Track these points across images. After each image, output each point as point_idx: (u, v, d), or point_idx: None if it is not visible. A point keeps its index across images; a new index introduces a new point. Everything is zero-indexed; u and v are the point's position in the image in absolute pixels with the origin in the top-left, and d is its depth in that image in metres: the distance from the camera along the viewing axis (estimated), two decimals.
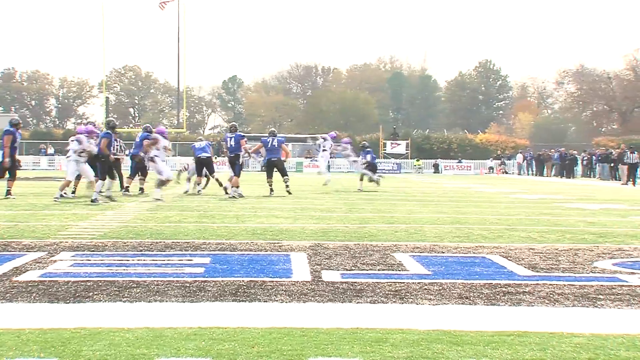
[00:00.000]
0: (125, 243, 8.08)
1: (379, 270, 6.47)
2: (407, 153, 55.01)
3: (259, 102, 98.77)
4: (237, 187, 16.88)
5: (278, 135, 18.07)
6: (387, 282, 5.84)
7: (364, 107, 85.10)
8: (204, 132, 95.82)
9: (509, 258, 7.31)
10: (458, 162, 53.54)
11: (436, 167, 52.20)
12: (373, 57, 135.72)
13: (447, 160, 54.44)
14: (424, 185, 27.98)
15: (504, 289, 5.66)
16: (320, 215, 12.33)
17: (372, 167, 21.68)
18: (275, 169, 17.86)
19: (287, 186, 17.96)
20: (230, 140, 17.22)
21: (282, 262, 6.81)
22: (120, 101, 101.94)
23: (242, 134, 17.71)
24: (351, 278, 6.03)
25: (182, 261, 6.83)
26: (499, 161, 52.70)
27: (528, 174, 47.43)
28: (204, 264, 6.67)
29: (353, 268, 6.54)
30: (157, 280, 5.79)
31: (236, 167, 16.97)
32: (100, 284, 5.65)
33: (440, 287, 5.69)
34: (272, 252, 7.53)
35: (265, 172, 18.20)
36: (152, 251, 7.47)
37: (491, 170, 51.90)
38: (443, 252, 7.69)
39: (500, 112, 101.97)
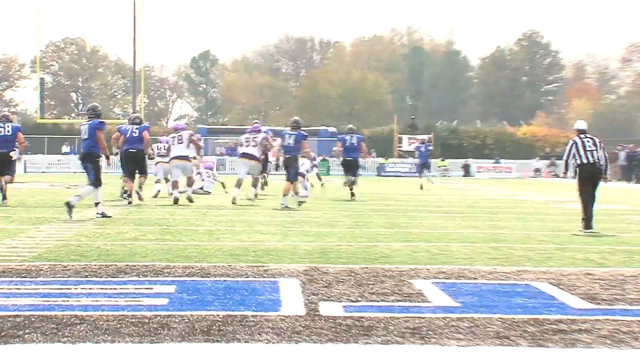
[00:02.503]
0: (65, 267, 8.07)
1: (393, 301, 6.47)
2: (429, 151, 55.13)
3: (238, 85, 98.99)
4: (287, 194, 17.35)
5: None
6: (404, 317, 5.85)
7: (374, 92, 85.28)
8: (167, 123, 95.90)
9: (560, 286, 7.32)
10: (495, 163, 53.66)
11: (466, 169, 52.32)
12: (385, 27, 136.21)
13: (480, 160, 54.61)
14: (451, 192, 28.01)
15: (554, 326, 5.67)
16: (318, 230, 12.32)
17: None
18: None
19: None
20: (289, 138, 17.78)
21: (269, 291, 6.81)
22: (60, 83, 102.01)
23: (305, 133, 18.21)
24: (357, 312, 6.03)
25: (140, 290, 6.83)
26: (548, 161, 52.81)
27: None
28: (168, 293, 6.67)
29: (359, 299, 6.54)
30: (107, 315, 5.78)
31: (292, 170, 17.51)
32: (33, 319, 5.64)
33: (472, 324, 5.69)
34: (255, 278, 7.53)
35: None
36: (101, 277, 7.47)
37: (538, 173, 52.02)
38: (475, 278, 7.70)
39: (550, 98, 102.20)
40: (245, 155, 18.72)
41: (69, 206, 13.78)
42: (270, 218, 14.45)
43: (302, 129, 17.84)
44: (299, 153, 17.71)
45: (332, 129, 56.86)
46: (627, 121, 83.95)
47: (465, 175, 51.29)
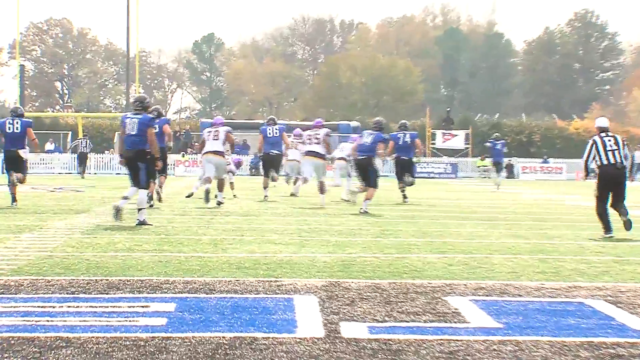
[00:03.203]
0: (49, 282, 8.11)
1: (425, 321, 6.47)
2: (466, 149, 55.00)
3: (247, 73, 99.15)
4: (370, 199, 17.96)
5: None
6: (438, 340, 5.84)
7: (403, 81, 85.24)
8: (165, 116, 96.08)
9: (618, 304, 7.30)
10: (543, 162, 53.44)
11: (510, 169, 52.15)
12: (416, 6, 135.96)
13: (526, 159, 54.43)
14: (492, 196, 27.91)
15: (611, 351, 5.64)
16: (338, 239, 12.31)
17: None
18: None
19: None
20: (367, 137, 18.50)
21: (282, 310, 6.82)
22: (42, 71, 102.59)
23: (385, 135, 19.00)
24: (384, 333, 6.03)
25: (135, 308, 6.85)
26: None
27: None
28: (167, 312, 6.69)
29: (387, 319, 6.55)
30: (97, 337, 5.80)
31: (370, 173, 18.11)
32: (13, 342, 5.67)
33: (517, 348, 5.68)
34: (266, 294, 7.54)
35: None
36: (90, 294, 7.50)
37: (592, 174, 51.67)
38: (520, 295, 7.69)
39: (607, 87, 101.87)
40: (310, 154, 19.73)
41: (117, 209, 14.08)
42: (284, 226, 14.45)
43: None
44: (374, 154, 18.29)
45: (354, 124, 56.40)
46: None
47: (509, 177, 51.08)
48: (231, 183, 22.53)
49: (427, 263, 9.82)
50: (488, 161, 52.19)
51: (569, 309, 7.07)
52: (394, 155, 21.93)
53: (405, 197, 21.93)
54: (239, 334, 5.95)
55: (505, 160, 52.31)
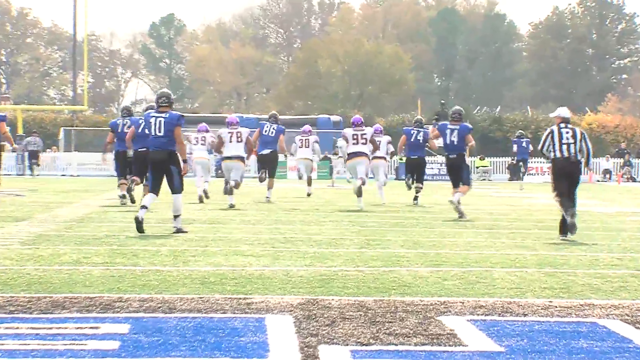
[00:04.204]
0: None
1: (416, 344, 6.47)
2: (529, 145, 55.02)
3: (212, 60, 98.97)
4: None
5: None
6: None
7: (391, 69, 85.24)
8: (118, 108, 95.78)
9: (637, 325, 7.31)
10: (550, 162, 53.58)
11: (513, 170, 52.25)
12: None
13: (532, 158, 54.41)
14: (493, 200, 27.97)
15: None
16: (317, 251, 12.30)
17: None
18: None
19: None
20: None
21: (253, 332, 6.80)
22: None
23: (470, 125, 19.84)
24: (369, 358, 6.03)
25: (83, 330, 6.82)
26: (622, 160, 52.68)
27: None
28: (120, 334, 6.66)
29: (372, 341, 6.54)
30: None
31: (464, 173, 18.87)
32: None
33: None
34: (235, 314, 7.54)
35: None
36: (32, 313, 7.47)
37: (608, 176, 51.94)
38: (525, 315, 7.70)
39: (623, 76, 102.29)
40: (359, 154, 20.47)
41: (138, 222, 14.12)
42: (255, 235, 14.42)
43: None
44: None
45: (335, 118, 56.28)
46: None
47: (511, 179, 51.18)
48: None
49: (419, 278, 9.80)
50: (488, 161, 52.56)
51: (580, 330, 7.07)
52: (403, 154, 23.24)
53: (416, 198, 23.10)
54: (203, 359, 5.94)
55: (508, 160, 52.63)
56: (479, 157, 52.74)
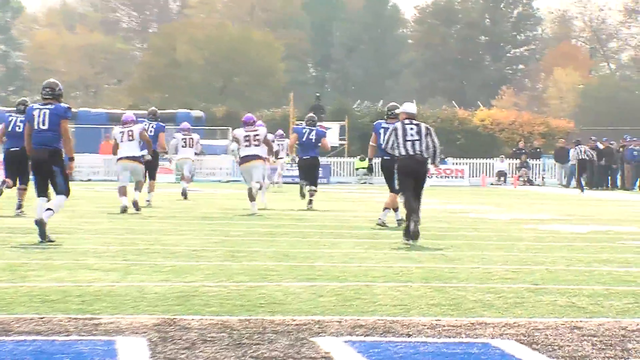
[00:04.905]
0: None
1: None
2: (342, 146, 55.39)
3: (54, 47, 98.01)
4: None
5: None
6: None
7: (260, 58, 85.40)
8: None
9: (533, 345, 7.35)
10: (440, 163, 54.18)
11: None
12: None
13: None
14: (373, 205, 28.16)
15: None
16: (175, 264, 12.27)
17: None
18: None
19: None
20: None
21: (101, 356, 6.72)
22: None
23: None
24: None
25: None
26: (518, 161, 53.59)
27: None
28: None
29: None
30: None
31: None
32: None
33: None
34: (80, 336, 7.42)
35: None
36: None
37: (502, 179, 52.77)
38: (410, 335, 7.72)
39: (520, 67, 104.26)
40: (254, 157, 21.26)
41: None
42: (105, 246, 14.34)
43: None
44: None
45: (197, 113, 56.15)
46: (632, 101, 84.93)
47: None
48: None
49: (290, 294, 9.80)
50: (368, 162, 52.89)
51: (471, 352, 7.10)
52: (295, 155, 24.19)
53: (310, 202, 23.79)
54: None
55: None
56: (359, 157, 52.36)
